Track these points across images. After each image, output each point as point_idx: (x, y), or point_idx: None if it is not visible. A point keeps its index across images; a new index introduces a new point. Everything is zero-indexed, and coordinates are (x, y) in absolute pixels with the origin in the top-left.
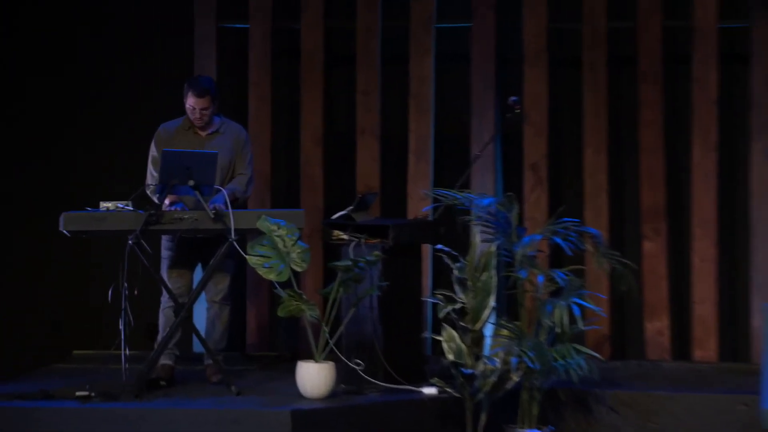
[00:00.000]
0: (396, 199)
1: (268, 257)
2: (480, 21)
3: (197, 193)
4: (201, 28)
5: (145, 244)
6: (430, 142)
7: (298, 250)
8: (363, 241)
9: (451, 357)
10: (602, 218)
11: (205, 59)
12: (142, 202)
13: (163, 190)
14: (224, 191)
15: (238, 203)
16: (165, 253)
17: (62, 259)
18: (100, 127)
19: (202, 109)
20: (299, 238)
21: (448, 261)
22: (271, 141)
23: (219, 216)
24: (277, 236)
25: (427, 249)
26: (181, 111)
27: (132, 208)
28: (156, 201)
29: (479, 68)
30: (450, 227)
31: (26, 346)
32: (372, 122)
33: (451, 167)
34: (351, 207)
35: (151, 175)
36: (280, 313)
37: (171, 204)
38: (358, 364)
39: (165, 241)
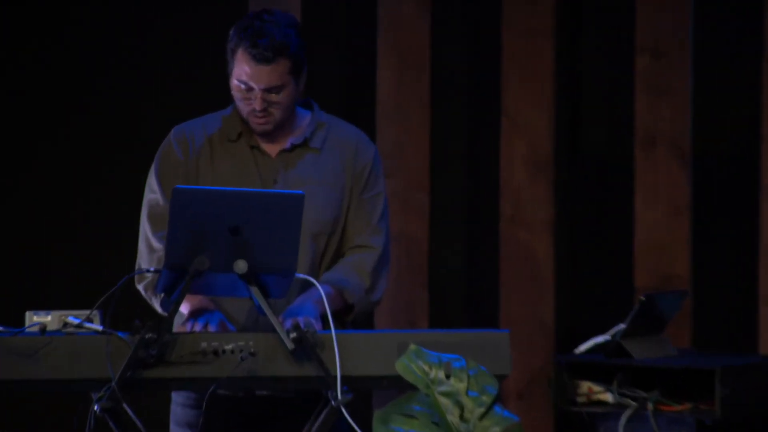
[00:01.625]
0: (727, 304)
1: None
2: None
3: (254, 290)
4: None
5: (131, 412)
6: None
7: (496, 428)
8: (651, 406)
9: None
10: None
11: None
12: (124, 310)
13: (173, 281)
14: (320, 288)
15: (352, 316)
16: None
17: None
18: (39, 141)
19: (266, 91)
20: (497, 400)
21: None
22: (430, 165)
23: (306, 346)
24: (445, 394)
25: None
26: (221, 100)
27: (101, 327)
28: (159, 308)
29: None
30: None
31: None
32: (676, 119)
33: None
34: (621, 325)
35: (148, 248)
36: None
37: (192, 316)
38: None
39: (179, 406)
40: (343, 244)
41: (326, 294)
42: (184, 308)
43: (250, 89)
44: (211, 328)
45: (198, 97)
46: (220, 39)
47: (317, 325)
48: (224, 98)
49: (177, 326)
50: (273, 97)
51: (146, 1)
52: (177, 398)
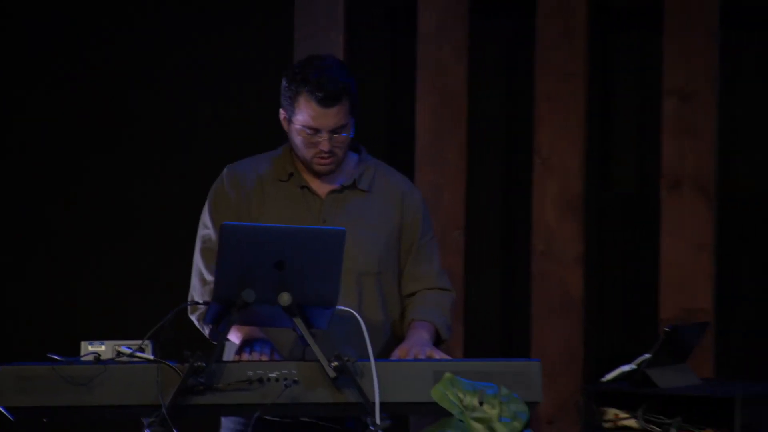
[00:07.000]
0: (748, 336)
1: None
2: None
3: (298, 321)
4: None
5: None
6: None
7: None
8: (675, 431)
9: None
10: None
11: (320, 22)
12: (176, 341)
13: (221, 313)
14: (360, 320)
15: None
16: None
17: None
18: (87, 180)
19: (333, 132)
20: (528, 426)
21: None
22: (466, 205)
23: (347, 374)
24: (478, 420)
25: None
26: (267, 142)
27: (152, 356)
28: (208, 336)
29: None
30: None
31: None
32: (702, 160)
33: None
34: (647, 355)
35: (201, 281)
36: None
37: (245, 344)
38: None
39: (228, 431)
40: (414, 286)
41: (427, 329)
42: (236, 338)
43: (316, 132)
44: (255, 354)
45: (249, 134)
46: (264, 78)
47: (438, 355)
48: (271, 135)
49: (230, 356)
50: (338, 137)
51: (190, 45)
52: (227, 423)
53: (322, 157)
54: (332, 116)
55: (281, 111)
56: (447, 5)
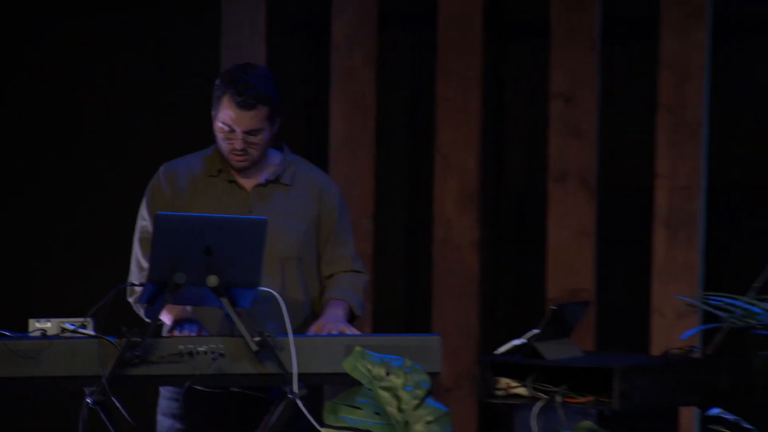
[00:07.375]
0: (624, 313)
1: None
2: None
3: (224, 301)
4: None
5: (119, 406)
6: (700, 191)
7: (428, 418)
8: (559, 398)
9: None
10: None
11: (244, 31)
12: (115, 319)
13: (155, 294)
14: (280, 299)
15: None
16: (164, 423)
17: None
18: (36, 173)
19: (247, 133)
20: (429, 393)
21: None
22: (375, 196)
23: (268, 348)
24: (385, 389)
25: (690, 417)
26: (201, 140)
27: (93, 332)
28: (143, 316)
29: None
30: (738, 371)
31: None
32: (584, 156)
33: (740, 248)
34: (535, 330)
35: (138, 267)
36: None
37: (175, 324)
38: None
39: (165, 399)
40: (331, 268)
41: (342, 307)
42: (168, 319)
43: (232, 131)
44: (186, 332)
45: (184, 132)
46: (196, 83)
47: (350, 331)
48: (200, 136)
49: (166, 332)
50: (252, 138)
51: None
52: (164, 392)
53: (237, 154)
54: (248, 119)
55: (212, 107)
56: (358, 16)
